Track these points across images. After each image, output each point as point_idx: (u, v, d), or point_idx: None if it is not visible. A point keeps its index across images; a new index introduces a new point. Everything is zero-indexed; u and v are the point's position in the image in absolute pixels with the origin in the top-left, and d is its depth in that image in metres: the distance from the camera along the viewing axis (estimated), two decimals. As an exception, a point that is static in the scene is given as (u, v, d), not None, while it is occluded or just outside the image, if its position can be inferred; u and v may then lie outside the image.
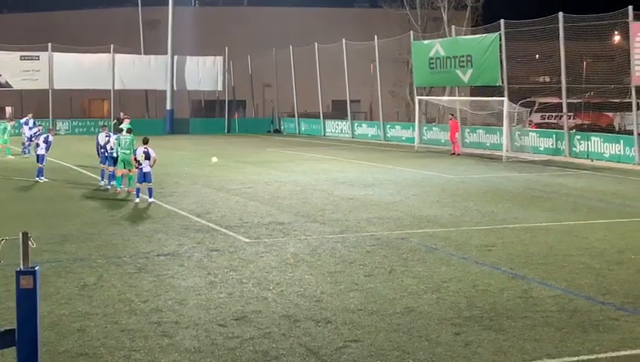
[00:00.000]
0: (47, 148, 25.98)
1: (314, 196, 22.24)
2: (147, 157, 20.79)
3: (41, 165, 25.67)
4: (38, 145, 26.60)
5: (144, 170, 20.71)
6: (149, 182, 20.80)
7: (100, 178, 24.86)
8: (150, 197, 20.67)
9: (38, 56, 55.58)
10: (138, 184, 21.00)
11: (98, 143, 24.74)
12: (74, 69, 55.59)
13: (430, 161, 33.58)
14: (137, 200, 20.73)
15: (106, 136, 24.32)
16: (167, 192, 22.89)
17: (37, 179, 25.48)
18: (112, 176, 23.69)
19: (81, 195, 22.84)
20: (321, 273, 12.68)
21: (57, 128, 52.41)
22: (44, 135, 26.88)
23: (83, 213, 19.33)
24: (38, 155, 25.98)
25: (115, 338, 9.35)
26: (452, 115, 40.57)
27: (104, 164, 24.24)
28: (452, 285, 11.85)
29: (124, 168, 22.66)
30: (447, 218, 18.31)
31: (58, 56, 55.82)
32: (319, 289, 11.65)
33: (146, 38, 62.15)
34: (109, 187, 23.74)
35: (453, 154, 37.19)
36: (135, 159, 21.07)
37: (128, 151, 22.07)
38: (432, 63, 41.92)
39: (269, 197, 21.88)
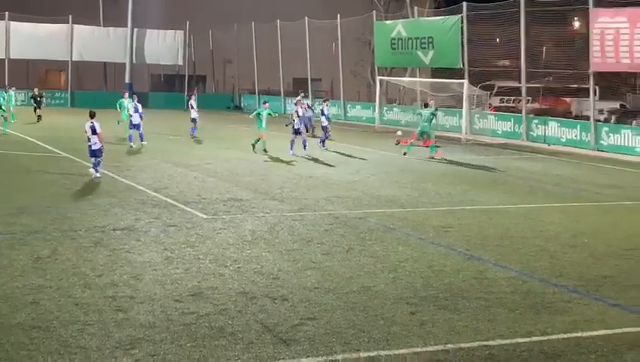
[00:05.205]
0: None
1: (273, 173, 22.18)
2: (94, 131, 20.19)
3: None
4: None
5: (93, 148, 20.13)
6: (99, 157, 20.30)
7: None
8: (96, 171, 20.22)
9: (-5, 25, 54.46)
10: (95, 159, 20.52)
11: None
12: (31, 39, 54.54)
13: (390, 142, 33.62)
14: (92, 172, 20.33)
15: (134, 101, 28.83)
16: (124, 166, 22.66)
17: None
18: (141, 136, 28.34)
19: (38, 168, 22.51)
20: (279, 251, 12.67)
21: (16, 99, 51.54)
22: None
23: (39, 186, 19.06)
24: None
25: (69, 311, 9.25)
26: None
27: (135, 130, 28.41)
28: (408, 265, 11.93)
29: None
30: (406, 198, 18.40)
31: (15, 26, 54.70)
32: (276, 266, 11.64)
33: (106, 9, 61.01)
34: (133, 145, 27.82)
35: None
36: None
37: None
38: (394, 44, 41.95)
39: (227, 174, 21.78)
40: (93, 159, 20.36)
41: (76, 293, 9.98)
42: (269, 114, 27.78)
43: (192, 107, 33.32)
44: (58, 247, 12.49)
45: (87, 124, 20.26)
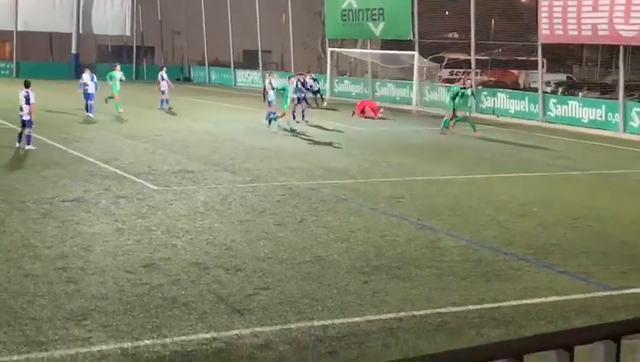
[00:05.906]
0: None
1: (224, 145, 22.05)
2: (27, 101, 19.73)
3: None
4: None
5: (23, 118, 19.63)
6: (29, 128, 19.84)
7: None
8: (28, 143, 19.79)
9: None
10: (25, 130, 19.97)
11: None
12: (-26, 9, 53.25)
13: (341, 114, 33.67)
14: (24, 145, 19.80)
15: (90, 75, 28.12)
16: (72, 138, 22.31)
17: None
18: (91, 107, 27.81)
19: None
20: (231, 221, 12.63)
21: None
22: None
23: (-16, 157, 18.67)
24: None
25: (19, 283, 9.11)
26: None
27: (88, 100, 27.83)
28: (361, 235, 11.98)
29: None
30: (357, 170, 18.46)
31: (-44, -6, 53.34)
32: (229, 237, 11.60)
33: (51, -22, 59.83)
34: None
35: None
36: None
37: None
38: (345, 15, 41.85)
39: (178, 146, 21.59)
40: (25, 130, 19.85)
41: (26, 265, 9.83)
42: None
43: (163, 78, 32.76)
44: (6, 219, 12.27)
45: (22, 93, 19.84)
